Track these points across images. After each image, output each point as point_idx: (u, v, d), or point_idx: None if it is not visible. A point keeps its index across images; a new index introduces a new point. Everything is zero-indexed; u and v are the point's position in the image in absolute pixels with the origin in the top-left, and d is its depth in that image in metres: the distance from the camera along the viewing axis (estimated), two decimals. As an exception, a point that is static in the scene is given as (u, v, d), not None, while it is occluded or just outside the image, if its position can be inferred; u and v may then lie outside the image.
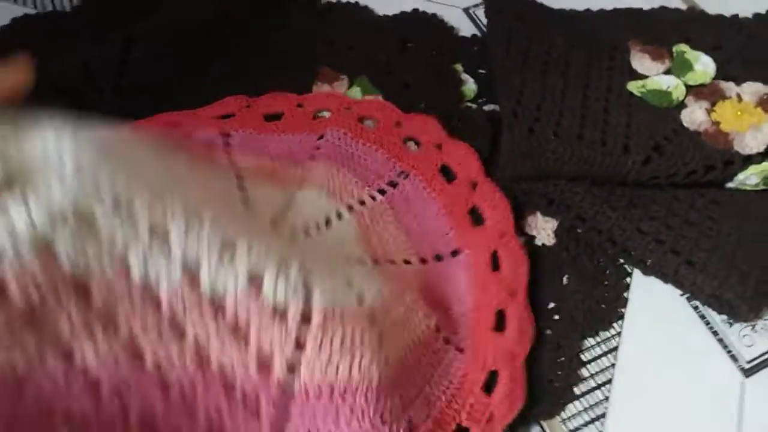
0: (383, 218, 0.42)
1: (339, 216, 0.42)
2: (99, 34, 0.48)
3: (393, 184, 0.43)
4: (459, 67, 0.50)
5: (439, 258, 0.40)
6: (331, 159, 0.43)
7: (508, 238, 0.40)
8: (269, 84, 0.48)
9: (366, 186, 0.42)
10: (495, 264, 0.39)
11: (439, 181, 0.42)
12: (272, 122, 0.46)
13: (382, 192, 0.43)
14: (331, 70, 0.50)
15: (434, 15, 0.53)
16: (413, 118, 0.44)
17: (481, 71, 0.51)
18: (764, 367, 0.41)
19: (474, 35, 0.53)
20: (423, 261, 0.40)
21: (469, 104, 0.48)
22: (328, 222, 0.42)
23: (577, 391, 0.40)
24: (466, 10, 0.54)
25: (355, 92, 0.48)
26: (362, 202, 0.42)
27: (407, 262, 0.40)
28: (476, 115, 0.46)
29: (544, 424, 0.39)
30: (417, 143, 0.44)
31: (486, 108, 0.48)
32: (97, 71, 0.46)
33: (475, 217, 0.41)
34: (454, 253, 0.40)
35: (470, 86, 0.49)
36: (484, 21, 0.52)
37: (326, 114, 0.46)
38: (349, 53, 0.51)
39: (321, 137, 0.45)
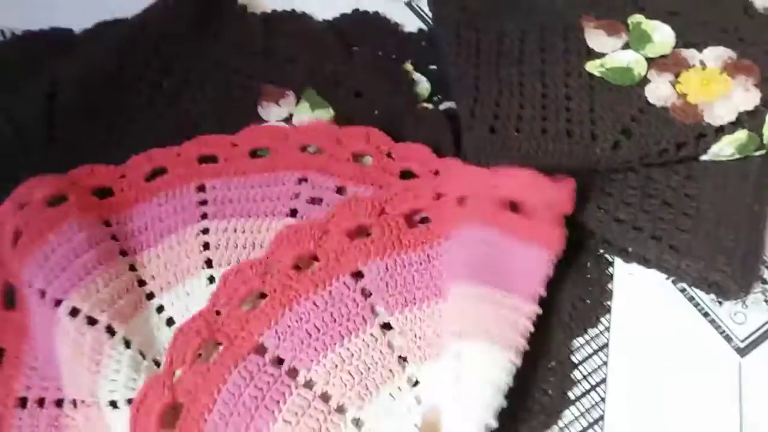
0: None
1: None
2: (17, 77, 0.45)
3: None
4: (409, 66, 0.48)
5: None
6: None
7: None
8: (210, 117, 0.46)
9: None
10: None
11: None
12: (208, 164, 0.42)
13: None
14: (274, 86, 0.47)
15: (376, 13, 0.50)
16: (356, 130, 0.41)
17: (432, 67, 0.48)
18: (760, 343, 0.39)
19: (420, 29, 0.50)
20: None
21: (425, 105, 0.46)
22: None
23: (571, 395, 0.38)
24: (408, 4, 0.51)
25: (304, 108, 0.46)
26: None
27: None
28: (434, 118, 0.43)
29: (542, 435, 0.37)
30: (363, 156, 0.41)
31: (442, 107, 0.46)
32: (23, 125, 0.43)
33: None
34: None
35: (423, 86, 0.47)
36: (429, 13, 0.49)
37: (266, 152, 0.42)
38: (291, 66, 0.48)
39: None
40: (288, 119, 0.46)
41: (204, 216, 0.40)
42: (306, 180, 0.41)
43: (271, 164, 0.41)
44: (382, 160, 0.41)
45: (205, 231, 0.40)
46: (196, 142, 0.43)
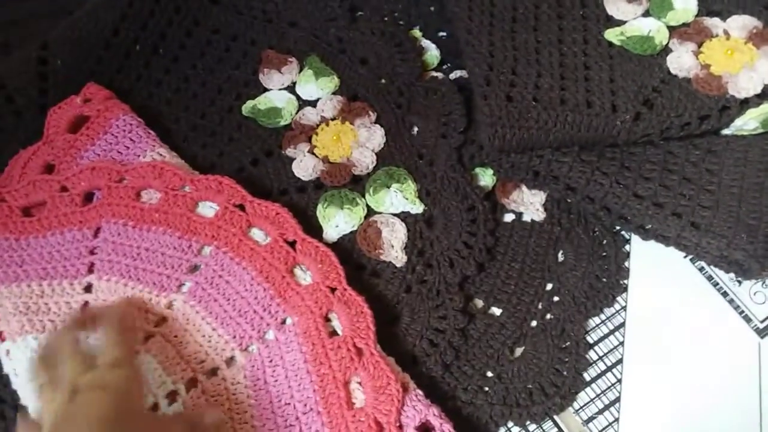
0: (189, 325, 0.35)
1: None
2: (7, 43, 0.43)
3: (194, 269, 0.36)
4: (417, 32, 0.45)
5: (265, 335, 0.34)
6: (113, 266, 0.36)
7: (340, 292, 0.34)
8: (209, 84, 0.44)
9: (161, 290, 0.35)
10: (332, 327, 0.34)
11: (248, 247, 0.36)
12: (30, 219, 0.38)
13: (181, 286, 0.36)
14: (275, 52, 0.45)
15: (382, -24, 0.48)
16: (201, 180, 0.38)
17: (441, 34, 0.46)
18: (780, 324, 0.38)
19: (430, -6, 0.48)
20: (246, 348, 0.34)
21: (433, 74, 0.44)
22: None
23: (587, 376, 0.37)
24: (417, -33, 0.48)
25: (308, 75, 0.43)
26: (158, 322, 0.35)
27: (231, 359, 0.34)
28: (444, 87, 0.41)
29: (557, 417, 0.36)
30: (213, 207, 0.37)
31: (452, 76, 0.44)
32: (14, 90, 0.40)
33: (301, 276, 0.35)
34: (284, 321, 0.34)
35: (432, 53, 0.45)
36: (439, -23, 0.47)
37: (97, 194, 0.38)
38: (294, 31, 0.45)
39: (97, 233, 0.37)
40: (291, 87, 0.44)
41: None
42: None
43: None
44: (228, 214, 0.37)
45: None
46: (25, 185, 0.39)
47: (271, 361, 0.34)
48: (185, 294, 0.36)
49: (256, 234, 0.37)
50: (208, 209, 0.38)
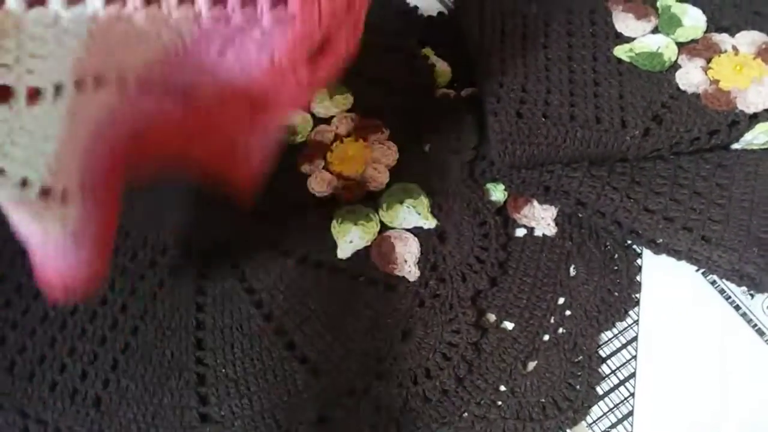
0: None
1: None
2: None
3: None
4: (429, 50, 0.46)
5: None
6: None
7: None
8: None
9: None
10: None
11: None
12: None
13: None
14: (291, 71, 0.46)
15: (395, -4, 0.49)
16: None
17: (453, 51, 0.47)
18: (793, 337, 0.38)
19: (440, 13, 0.49)
20: None
21: (445, 91, 0.44)
22: None
23: (599, 390, 0.37)
24: (428, -14, 0.50)
25: (322, 94, 0.44)
26: None
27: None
28: (456, 104, 0.42)
29: (570, 431, 0.36)
30: None
31: (464, 93, 0.44)
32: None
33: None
34: None
35: (444, 70, 0.45)
36: (450, -4, 0.48)
37: None
38: (309, 50, 0.46)
39: None
40: (306, 105, 0.45)
41: None
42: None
43: None
44: None
45: None
46: None
47: None
48: None
49: None
50: None
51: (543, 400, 0.36)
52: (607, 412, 0.36)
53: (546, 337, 0.38)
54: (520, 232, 0.41)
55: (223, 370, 0.36)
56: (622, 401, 0.37)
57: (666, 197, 0.39)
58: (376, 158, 0.42)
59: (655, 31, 0.43)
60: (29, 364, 0.37)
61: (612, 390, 0.37)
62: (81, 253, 0.30)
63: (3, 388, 0.36)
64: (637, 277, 0.40)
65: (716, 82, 0.40)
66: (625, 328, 0.38)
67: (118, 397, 0.36)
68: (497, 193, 0.41)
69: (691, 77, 0.40)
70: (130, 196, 0.41)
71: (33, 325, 0.38)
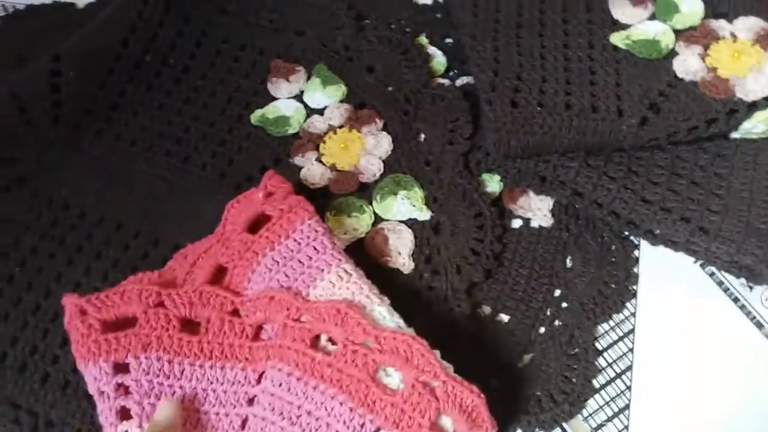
0: None
1: None
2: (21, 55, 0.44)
3: None
4: (423, 39, 0.46)
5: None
6: (267, 427, 0.30)
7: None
8: (218, 94, 0.44)
9: None
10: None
11: None
12: (190, 338, 0.32)
13: None
14: (283, 61, 0.45)
15: (389, -16, 0.48)
16: (387, 338, 0.30)
17: (447, 40, 0.46)
18: (792, 329, 0.38)
19: (435, 1, 0.48)
20: None
21: (440, 80, 0.44)
22: None
23: (596, 383, 0.36)
24: (422, -26, 0.49)
25: (315, 84, 0.44)
26: None
27: None
28: (451, 94, 0.41)
29: (566, 425, 0.36)
30: (397, 379, 0.30)
31: (459, 82, 0.44)
32: (27, 102, 0.41)
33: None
34: None
35: (439, 60, 0.45)
36: (445, -16, 0.47)
37: (269, 329, 0.32)
38: (301, 40, 0.46)
39: (260, 378, 0.32)
40: (299, 96, 0.44)
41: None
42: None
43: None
44: (415, 390, 0.29)
45: None
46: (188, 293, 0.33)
47: None
48: None
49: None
50: (391, 379, 0.30)
51: (539, 393, 0.36)
52: (603, 405, 0.36)
53: (542, 330, 0.38)
54: (516, 223, 0.40)
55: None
56: (618, 394, 0.36)
57: (663, 187, 0.38)
58: (369, 149, 0.41)
59: (652, 17, 0.42)
60: (21, 356, 0.36)
61: (608, 383, 0.37)
62: None
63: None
64: (635, 269, 0.39)
65: (714, 69, 0.39)
66: (622, 320, 0.38)
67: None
68: (493, 183, 0.41)
69: (688, 65, 0.39)
70: (125, 190, 0.41)
71: (25, 317, 0.37)
